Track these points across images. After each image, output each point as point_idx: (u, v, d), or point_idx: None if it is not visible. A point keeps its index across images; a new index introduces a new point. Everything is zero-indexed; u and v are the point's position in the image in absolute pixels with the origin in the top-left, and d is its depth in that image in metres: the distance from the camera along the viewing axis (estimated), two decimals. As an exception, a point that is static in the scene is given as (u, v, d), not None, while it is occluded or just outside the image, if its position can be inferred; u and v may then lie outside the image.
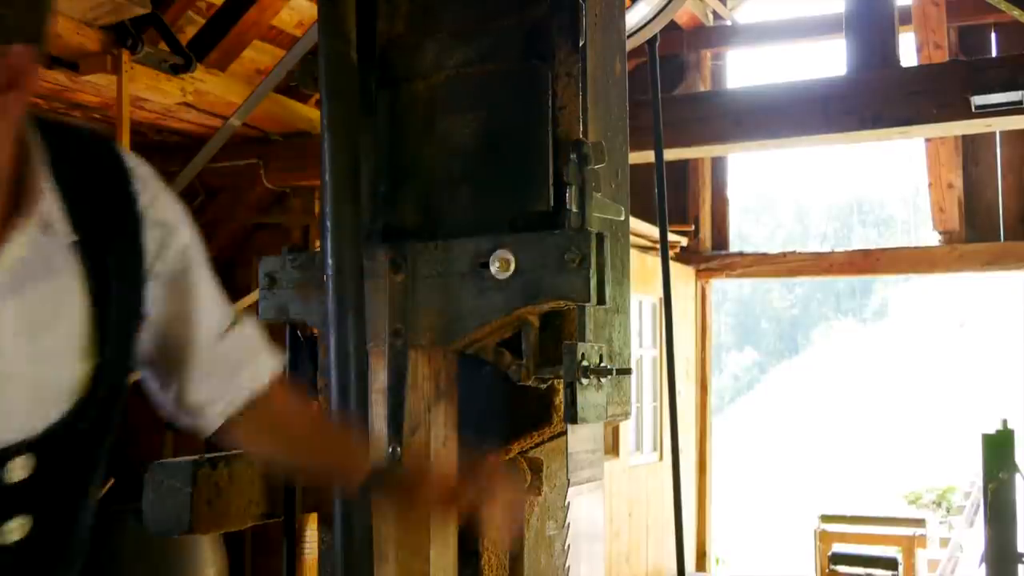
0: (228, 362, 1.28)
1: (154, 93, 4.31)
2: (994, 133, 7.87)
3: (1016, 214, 8.13)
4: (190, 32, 4.77)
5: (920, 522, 8.76)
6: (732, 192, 9.91)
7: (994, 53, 7.81)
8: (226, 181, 5.71)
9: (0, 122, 1.03)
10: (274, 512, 1.61)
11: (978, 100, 4.28)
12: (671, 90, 8.09)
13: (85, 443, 1.16)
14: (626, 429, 8.21)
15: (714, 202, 9.60)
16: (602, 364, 1.52)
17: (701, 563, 9.60)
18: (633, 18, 2.78)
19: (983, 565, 3.82)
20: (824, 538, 8.06)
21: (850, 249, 9.78)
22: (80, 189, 1.13)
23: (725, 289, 43.47)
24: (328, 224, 1.44)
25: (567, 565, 1.75)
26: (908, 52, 5.75)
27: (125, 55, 3.93)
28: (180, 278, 1.23)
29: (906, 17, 6.98)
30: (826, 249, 10.27)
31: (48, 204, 1.09)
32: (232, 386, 1.28)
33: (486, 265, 1.51)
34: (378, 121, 1.78)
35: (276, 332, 1.56)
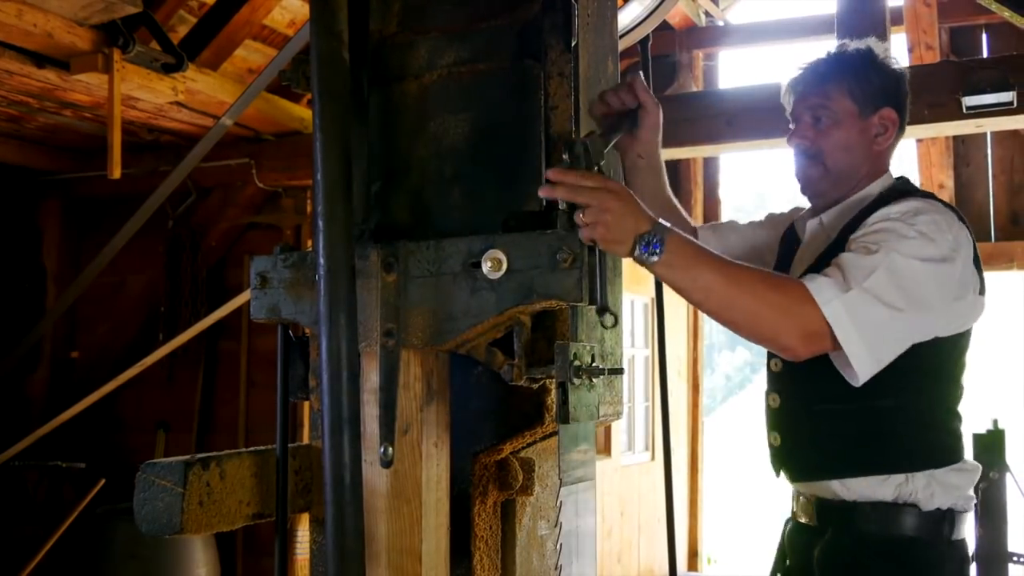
0: None
1: (146, 92, 4.29)
2: (985, 134, 7.89)
3: (1007, 214, 8.16)
4: (182, 31, 4.76)
5: (912, 521, 8.77)
6: (725, 192, 9.91)
7: (985, 54, 7.82)
8: (218, 180, 5.70)
9: None
10: (265, 512, 1.60)
11: (969, 101, 4.29)
12: (663, 90, 8.09)
13: None
14: (618, 428, 8.22)
15: (706, 202, 9.60)
16: (594, 364, 1.52)
17: (693, 562, 9.62)
18: (625, 18, 2.78)
19: (974, 564, 3.82)
20: (816, 537, 8.07)
21: (842, 249, 9.77)
22: None
23: (717, 289, 43.38)
24: (320, 224, 1.43)
25: (559, 565, 1.75)
26: (900, 53, 5.76)
27: (116, 54, 3.92)
28: None
29: (898, 18, 7.00)
30: (818, 249, 10.25)
31: None
32: None
33: (478, 265, 1.51)
34: (370, 120, 1.78)
35: (268, 331, 1.55)
